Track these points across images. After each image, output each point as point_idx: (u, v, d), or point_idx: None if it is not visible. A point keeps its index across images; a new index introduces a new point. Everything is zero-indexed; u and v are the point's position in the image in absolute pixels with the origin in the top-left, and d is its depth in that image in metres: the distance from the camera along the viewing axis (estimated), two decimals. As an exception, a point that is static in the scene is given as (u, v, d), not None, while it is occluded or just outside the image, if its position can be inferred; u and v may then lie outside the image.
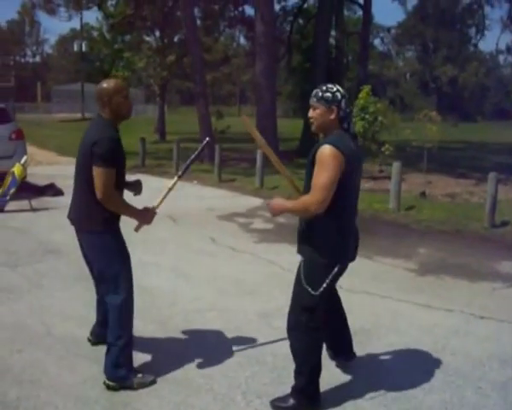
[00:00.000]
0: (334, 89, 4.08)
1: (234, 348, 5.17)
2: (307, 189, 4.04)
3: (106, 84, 4.41)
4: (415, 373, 4.77)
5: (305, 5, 36.39)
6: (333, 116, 4.05)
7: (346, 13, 58.96)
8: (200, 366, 4.82)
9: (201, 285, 6.93)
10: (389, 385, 4.57)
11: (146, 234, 9.22)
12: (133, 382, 4.40)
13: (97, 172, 4.20)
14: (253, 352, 5.09)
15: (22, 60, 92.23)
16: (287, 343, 5.23)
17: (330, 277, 4.10)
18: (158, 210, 4.74)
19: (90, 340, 5.11)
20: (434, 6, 59.79)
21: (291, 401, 4.24)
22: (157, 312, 6.03)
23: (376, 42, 79.67)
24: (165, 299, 6.44)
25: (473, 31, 64.82)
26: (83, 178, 4.34)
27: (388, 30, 78.03)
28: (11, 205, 10.84)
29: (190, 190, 14.45)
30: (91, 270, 4.74)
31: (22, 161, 11.47)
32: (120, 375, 4.40)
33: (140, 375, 4.49)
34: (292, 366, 4.67)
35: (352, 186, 4.12)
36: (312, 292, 4.10)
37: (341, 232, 4.09)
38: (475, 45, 68.86)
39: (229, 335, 5.45)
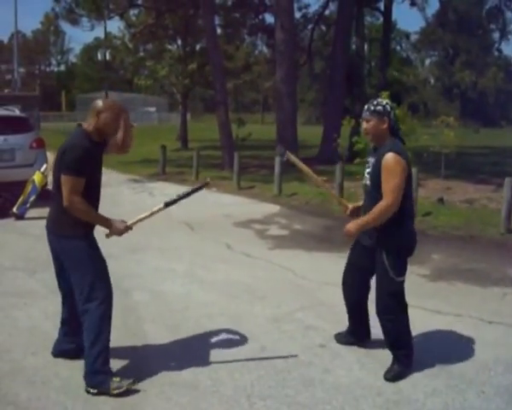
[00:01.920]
0: (384, 102, 4.73)
1: (242, 351, 5.27)
2: (373, 194, 4.71)
3: (100, 102, 4.53)
4: (418, 377, 4.82)
5: (327, 12, 36.44)
6: (385, 126, 4.65)
7: (369, 19, 59.03)
8: (208, 369, 4.91)
9: (214, 291, 7.04)
10: (391, 388, 4.63)
11: (164, 241, 9.45)
12: (110, 386, 4.41)
13: (63, 180, 4.31)
14: (260, 355, 5.18)
15: (47, 69, 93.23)
16: (293, 346, 5.39)
17: (408, 261, 4.83)
18: (134, 226, 4.75)
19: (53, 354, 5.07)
20: (454, 12, 59.47)
21: (397, 368, 4.82)
22: (170, 316, 6.15)
23: (399, 48, 79.54)
24: (178, 304, 6.55)
25: (497, 36, 64.40)
26: (56, 184, 4.46)
27: (407, 36, 77.85)
28: (31, 212, 11.04)
29: (208, 197, 14.53)
30: (58, 279, 4.77)
31: (42, 169, 11.68)
32: (98, 380, 4.44)
33: (118, 379, 4.47)
34: (297, 370, 4.78)
35: (411, 183, 4.84)
36: (399, 278, 4.75)
37: (412, 222, 4.86)
38: (499, 50, 68.45)
39: (239, 339, 5.55)
